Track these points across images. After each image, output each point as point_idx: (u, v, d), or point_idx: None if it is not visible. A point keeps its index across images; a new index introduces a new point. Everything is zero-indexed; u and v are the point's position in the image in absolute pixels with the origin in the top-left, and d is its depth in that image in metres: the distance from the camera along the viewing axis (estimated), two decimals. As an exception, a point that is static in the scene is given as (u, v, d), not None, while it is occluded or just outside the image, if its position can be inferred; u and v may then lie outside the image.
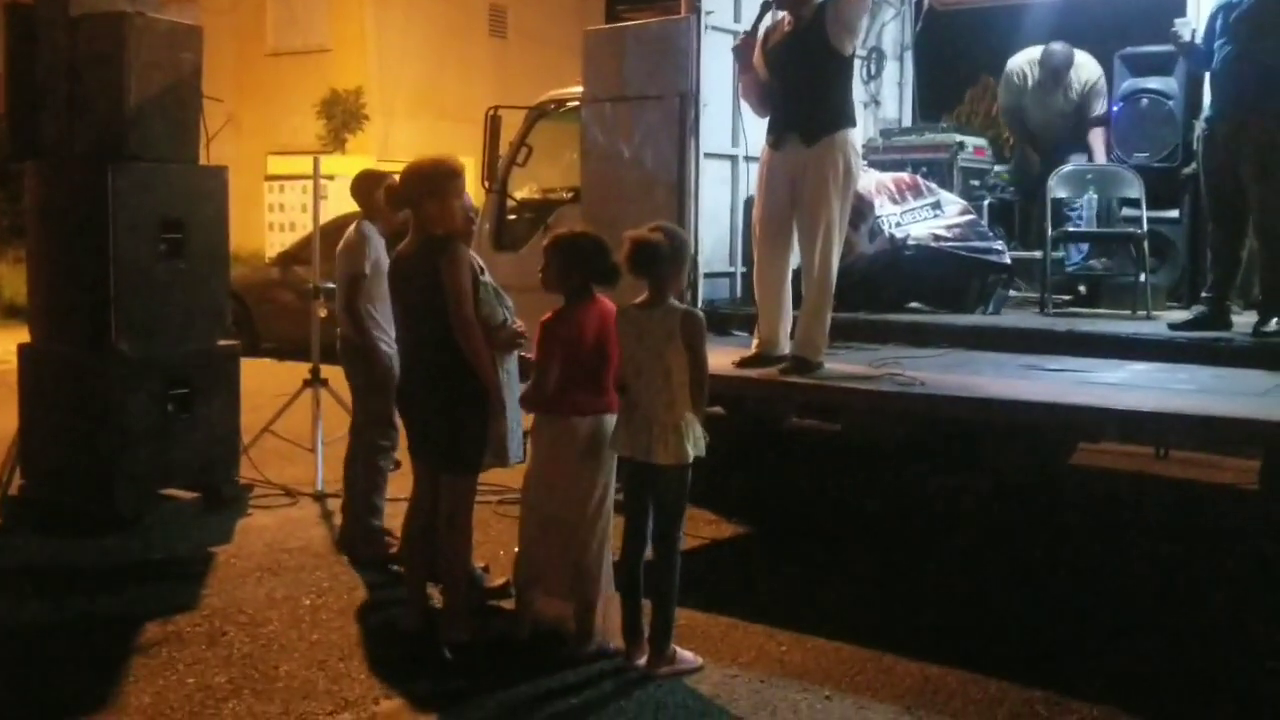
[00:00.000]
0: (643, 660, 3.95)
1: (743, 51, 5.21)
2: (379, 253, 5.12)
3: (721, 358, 5.32)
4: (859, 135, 5.47)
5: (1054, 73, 7.37)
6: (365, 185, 5.26)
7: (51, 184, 5.90)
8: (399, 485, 5.12)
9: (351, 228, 5.25)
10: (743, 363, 5.14)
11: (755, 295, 5.27)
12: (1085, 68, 7.43)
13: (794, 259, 5.17)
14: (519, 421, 4.45)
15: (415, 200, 4.13)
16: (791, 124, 5.01)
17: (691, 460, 3.90)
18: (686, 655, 3.99)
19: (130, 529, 5.58)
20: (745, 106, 5.71)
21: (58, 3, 5.73)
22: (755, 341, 5.25)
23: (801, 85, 4.99)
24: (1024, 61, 7.61)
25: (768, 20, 5.17)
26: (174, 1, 14.25)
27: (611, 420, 4.04)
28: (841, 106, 5.02)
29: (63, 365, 5.82)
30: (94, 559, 5.21)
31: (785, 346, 5.14)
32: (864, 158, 7.23)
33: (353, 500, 5.25)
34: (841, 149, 4.95)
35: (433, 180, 4.14)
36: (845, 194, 5.00)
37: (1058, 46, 7.36)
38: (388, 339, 5.05)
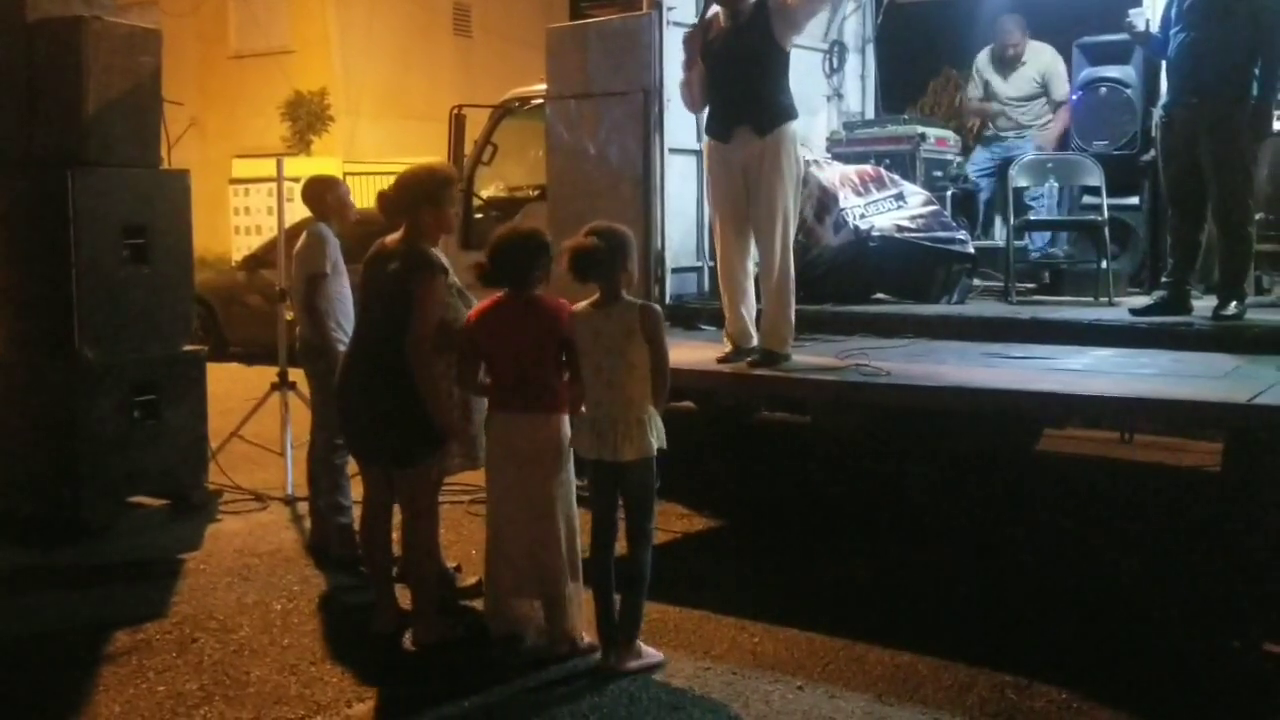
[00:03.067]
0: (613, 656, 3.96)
1: (692, 43, 5.20)
2: (336, 253, 5.19)
3: (691, 352, 5.35)
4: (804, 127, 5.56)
5: (1007, 35, 7.61)
6: (316, 190, 5.35)
7: (10, 190, 5.83)
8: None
9: (307, 230, 5.27)
10: (723, 361, 5.16)
11: (722, 290, 5.28)
12: (1042, 52, 7.60)
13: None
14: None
15: (412, 208, 4.15)
16: (741, 116, 5.03)
17: (655, 453, 3.91)
18: (649, 650, 4.00)
19: (98, 537, 5.54)
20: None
21: (13, 7, 5.67)
22: (727, 339, 5.25)
23: (749, 78, 5.03)
24: (985, 52, 7.81)
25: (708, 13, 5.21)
26: (134, 5, 14.17)
27: (565, 419, 4.03)
28: (788, 98, 5.12)
29: (26, 373, 5.76)
30: (62, 568, 5.17)
31: (756, 338, 5.17)
32: (828, 150, 7.35)
33: (318, 501, 5.26)
34: (792, 139, 5.06)
35: (429, 188, 4.18)
36: (798, 183, 5.13)
37: (1005, 17, 7.65)
38: (345, 339, 5.05)
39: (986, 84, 7.83)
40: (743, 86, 5.03)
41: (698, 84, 5.20)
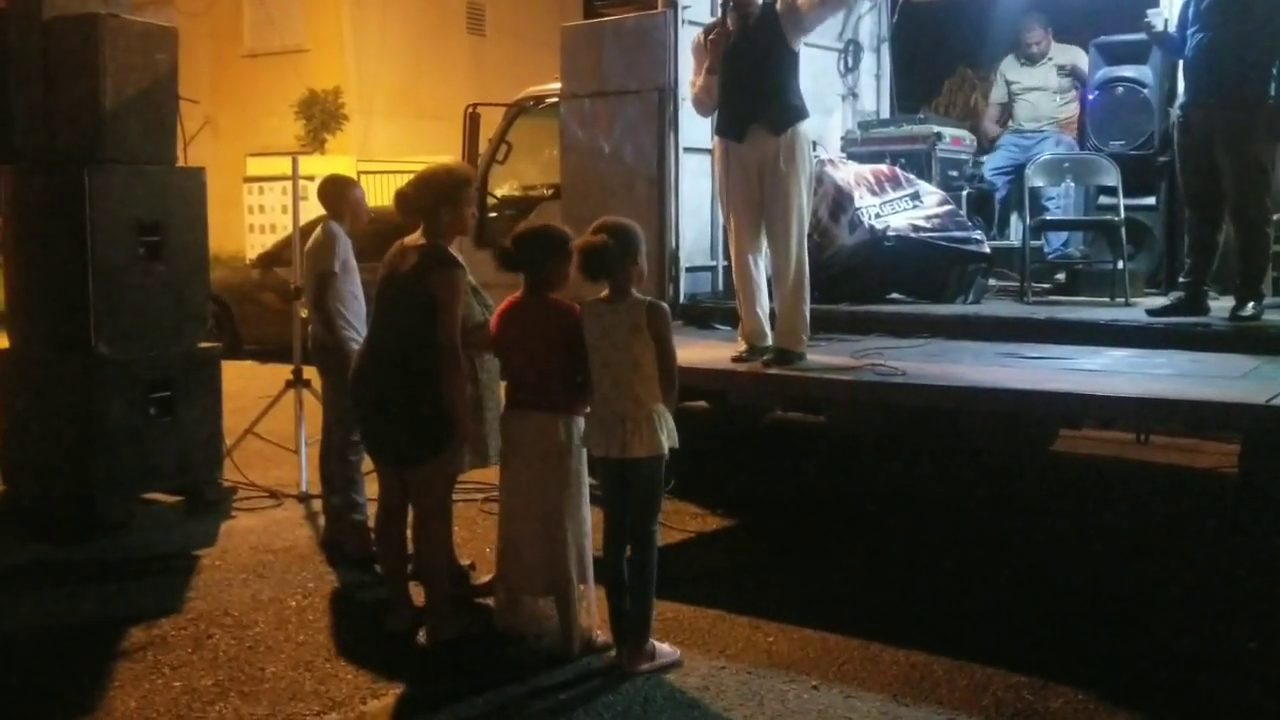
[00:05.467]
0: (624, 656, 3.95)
1: (713, 50, 5.18)
2: (347, 252, 5.21)
3: (705, 351, 5.35)
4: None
5: (1029, 33, 7.64)
6: (332, 188, 5.37)
7: (27, 187, 5.86)
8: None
9: (319, 228, 5.29)
10: (738, 360, 5.15)
11: (736, 289, 5.27)
12: (1067, 49, 7.63)
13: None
14: (498, 419, 4.44)
15: (429, 208, 4.16)
16: (755, 115, 5.04)
17: (666, 451, 3.91)
18: (665, 649, 3.99)
19: (113, 533, 5.55)
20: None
21: (30, 5, 5.70)
22: (742, 338, 5.25)
23: (762, 78, 5.05)
24: (1009, 57, 7.89)
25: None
26: (149, 4, 14.22)
27: (578, 420, 4.02)
28: (799, 98, 5.14)
29: (42, 370, 5.78)
30: (77, 564, 5.19)
31: (771, 338, 5.16)
32: (843, 150, 7.35)
33: (332, 498, 5.27)
34: (805, 139, 5.09)
35: (447, 189, 4.18)
36: (810, 181, 5.16)
37: (1029, 15, 7.70)
38: (357, 337, 5.07)
39: (1009, 83, 7.83)
40: (755, 87, 5.05)
41: (711, 88, 5.18)
